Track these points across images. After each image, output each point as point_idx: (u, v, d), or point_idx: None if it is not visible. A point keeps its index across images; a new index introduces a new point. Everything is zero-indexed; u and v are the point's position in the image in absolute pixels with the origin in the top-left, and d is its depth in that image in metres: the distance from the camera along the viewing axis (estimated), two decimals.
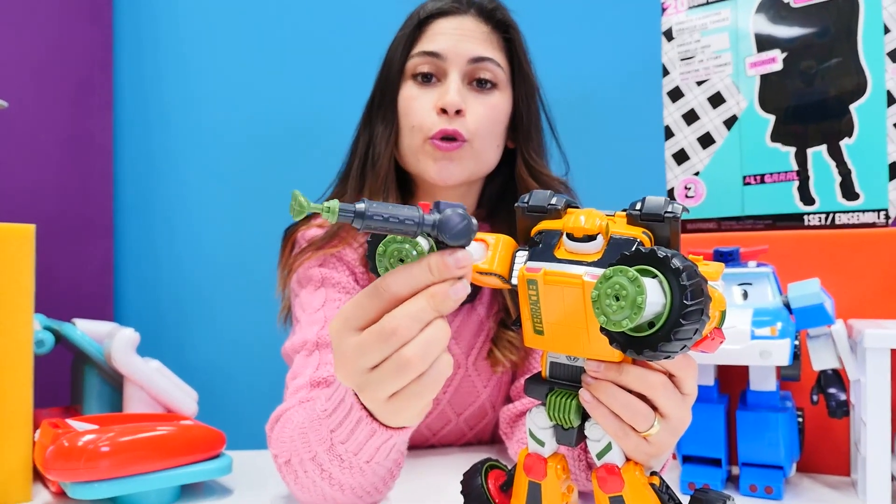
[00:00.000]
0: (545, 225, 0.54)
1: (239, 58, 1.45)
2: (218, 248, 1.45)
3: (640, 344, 0.40)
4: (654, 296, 0.39)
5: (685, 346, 0.39)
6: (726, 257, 0.78)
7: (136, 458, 0.68)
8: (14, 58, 1.16)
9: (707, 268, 0.47)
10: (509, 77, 0.87)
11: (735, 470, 0.78)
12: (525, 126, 0.88)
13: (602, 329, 0.41)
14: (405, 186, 0.89)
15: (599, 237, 0.51)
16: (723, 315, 0.45)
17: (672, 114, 0.91)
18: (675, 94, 0.91)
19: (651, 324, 0.40)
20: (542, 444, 0.55)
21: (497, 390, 0.90)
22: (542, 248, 0.53)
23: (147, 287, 1.44)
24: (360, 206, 0.39)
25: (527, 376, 0.56)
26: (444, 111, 0.81)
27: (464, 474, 0.58)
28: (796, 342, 0.69)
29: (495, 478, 0.58)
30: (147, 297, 1.43)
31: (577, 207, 0.55)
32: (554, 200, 0.54)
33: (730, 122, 0.88)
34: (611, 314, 0.39)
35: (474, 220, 0.44)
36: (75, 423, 0.70)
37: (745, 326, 0.69)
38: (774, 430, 0.72)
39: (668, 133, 0.91)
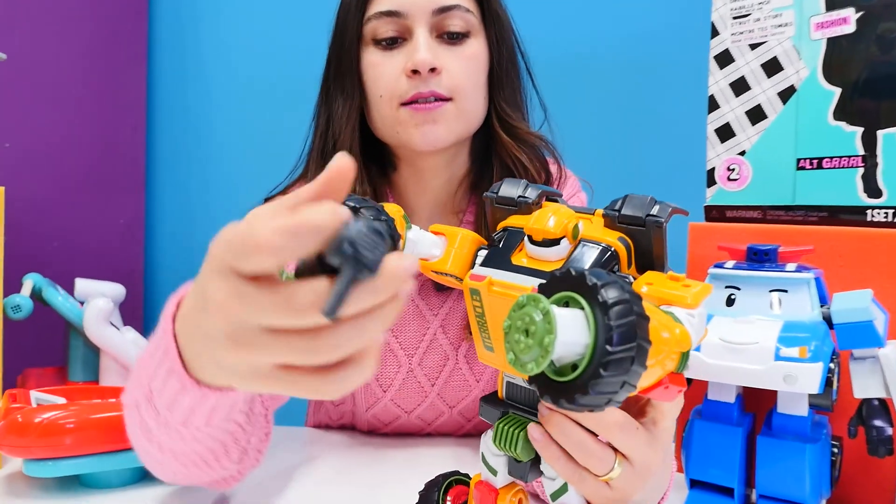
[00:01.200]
0: (513, 221, 0.45)
1: (278, 5, 1.39)
2: (255, 205, 1.42)
3: (557, 390, 0.32)
4: (574, 334, 0.30)
5: (610, 399, 0.31)
6: (761, 256, 0.66)
7: (93, 437, 0.65)
8: (45, 7, 1.14)
9: (682, 291, 0.38)
10: (481, 20, 0.77)
11: (752, 496, 0.68)
12: (496, 73, 0.78)
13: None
14: (383, 161, 0.81)
15: (564, 242, 0.42)
16: (683, 358, 0.36)
17: (718, 81, 0.78)
18: (724, 59, 0.78)
19: (574, 366, 0.31)
20: (494, 472, 0.48)
21: (494, 384, 0.83)
22: (500, 250, 0.45)
23: (179, 245, 1.43)
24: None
25: (484, 395, 0.48)
26: (415, 72, 0.72)
27: (425, 485, 0.52)
28: (832, 365, 0.58)
29: (456, 495, 0.52)
30: (179, 255, 1.42)
31: (555, 200, 0.46)
32: (527, 192, 0.45)
33: (786, 95, 0.74)
34: (518, 352, 0.31)
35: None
36: (39, 395, 0.68)
37: (770, 343, 0.58)
38: (800, 463, 0.62)
39: (713, 104, 0.79)
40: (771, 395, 0.66)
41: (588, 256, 0.40)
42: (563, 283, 0.32)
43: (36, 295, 0.80)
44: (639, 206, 0.41)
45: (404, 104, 0.73)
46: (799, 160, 0.74)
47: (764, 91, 0.76)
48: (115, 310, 0.92)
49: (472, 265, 0.46)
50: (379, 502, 0.67)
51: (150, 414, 0.47)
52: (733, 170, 0.78)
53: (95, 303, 0.75)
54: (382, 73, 0.74)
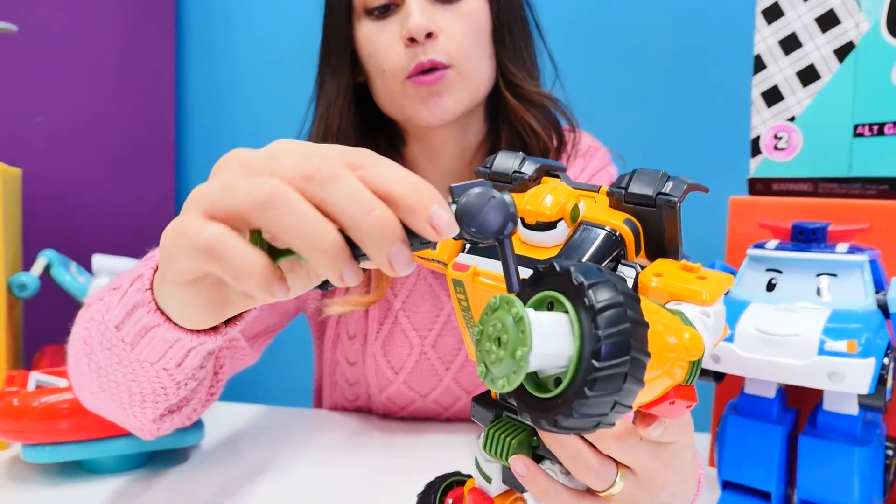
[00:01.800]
0: None
1: None
2: None
3: (537, 408, 0.26)
4: (555, 345, 0.25)
5: (599, 423, 0.25)
6: (807, 235, 0.59)
7: (92, 422, 0.63)
8: None
9: (697, 285, 0.32)
10: None
11: (793, 497, 0.62)
12: (498, 31, 0.72)
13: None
14: (393, 136, 0.77)
15: (562, 224, 0.37)
16: (693, 367, 0.30)
17: (766, 39, 0.70)
18: (773, 13, 0.69)
19: (558, 380, 0.26)
20: (488, 480, 0.43)
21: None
22: None
23: None
24: None
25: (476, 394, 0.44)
26: (412, 40, 0.66)
27: (424, 486, 0.49)
28: (886, 360, 0.51)
29: (456, 497, 0.48)
30: None
31: (557, 175, 0.40)
32: (524, 166, 0.40)
33: (843, 52, 0.66)
34: (490, 364, 0.26)
35: (507, 197, 0.28)
36: (40, 377, 0.67)
37: (814, 334, 0.52)
38: (848, 467, 0.55)
39: (759, 64, 0.71)
40: (817, 390, 0.59)
41: (589, 242, 0.35)
42: (546, 281, 0.27)
43: (48, 272, 0.79)
44: (649, 182, 0.35)
45: (408, 77, 0.68)
46: (857, 126, 0.66)
47: (818, 48, 0.67)
48: None
49: (463, 249, 0.41)
50: (382, 489, 0.64)
51: (106, 337, 0.45)
52: (781, 138, 0.70)
53: (98, 282, 0.73)
54: (379, 45, 0.69)
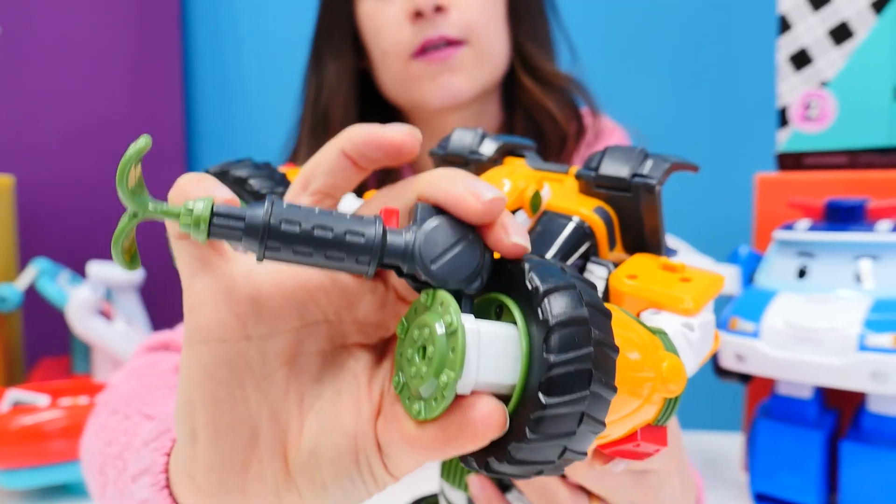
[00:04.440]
0: None
1: None
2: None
3: None
4: (497, 367, 0.20)
5: (542, 470, 0.20)
6: (843, 214, 0.52)
7: (75, 442, 0.60)
8: None
9: (678, 290, 0.26)
10: None
11: None
12: (514, 6, 0.66)
13: None
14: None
15: (521, 214, 0.31)
16: (669, 405, 0.24)
17: None
18: None
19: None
20: None
21: None
22: None
23: None
24: (256, 212, 0.19)
25: None
26: (418, 14, 0.60)
27: None
28: None
29: None
30: None
31: (523, 155, 0.34)
32: (482, 146, 0.34)
33: (881, 4, 0.58)
34: (409, 378, 0.20)
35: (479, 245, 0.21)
36: (20, 394, 0.64)
37: (854, 328, 0.45)
38: None
39: (784, 25, 0.63)
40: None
41: (552, 235, 0.29)
42: (496, 277, 0.21)
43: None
44: (622, 161, 0.28)
45: (415, 56, 0.62)
46: None
47: (851, 2, 0.60)
48: (134, 295, 0.87)
49: None
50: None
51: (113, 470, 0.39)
52: (812, 106, 0.63)
53: (78, 294, 0.69)
54: (382, 23, 0.64)
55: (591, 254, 0.28)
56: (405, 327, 0.21)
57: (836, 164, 0.62)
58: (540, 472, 0.19)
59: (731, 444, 0.68)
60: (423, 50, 0.62)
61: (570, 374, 0.18)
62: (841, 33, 0.61)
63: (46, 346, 0.91)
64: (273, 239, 0.19)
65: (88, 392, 0.66)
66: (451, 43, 0.61)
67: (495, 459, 0.19)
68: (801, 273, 0.51)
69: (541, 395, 0.18)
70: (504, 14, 0.66)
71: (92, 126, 1.16)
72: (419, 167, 0.73)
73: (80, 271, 0.87)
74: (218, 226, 0.18)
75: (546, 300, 0.19)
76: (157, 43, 1.29)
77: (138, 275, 0.87)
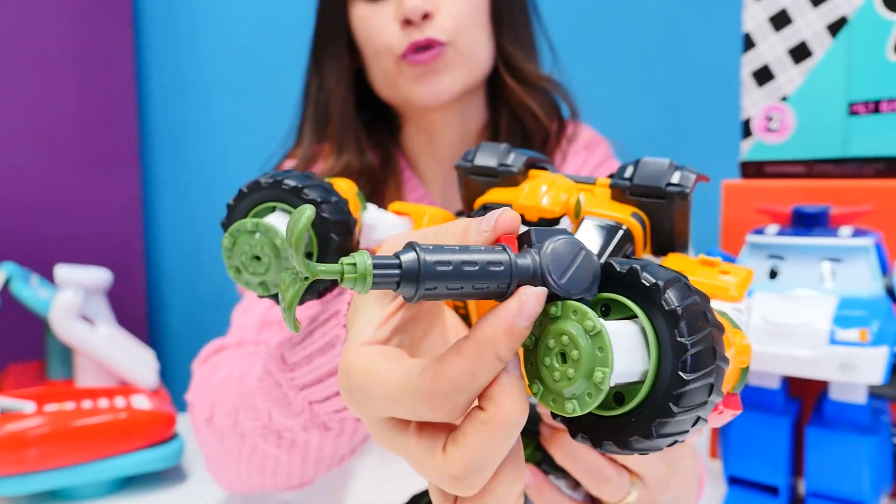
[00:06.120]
0: (493, 196, 0.37)
1: None
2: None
3: (598, 429, 0.24)
4: (630, 359, 0.22)
5: (675, 441, 0.23)
6: (808, 220, 0.57)
7: (63, 448, 0.60)
8: None
9: (722, 281, 0.30)
10: None
11: (799, 487, 0.60)
12: (497, 11, 0.69)
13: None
14: (391, 123, 0.74)
15: (565, 220, 0.34)
16: (743, 374, 0.28)
17: (755, 16, 0.67)
18: None
19: (618, 395, 0.23)
20: None
21: None
22: None
23: (182, 221, 1.36)
24: (409, 256, 0.21)
25: None
26: (407, 22, 0.63)
27: (410, 498, 0.46)
28: None
29: None
30: (182, 233, 1.36)
31: (544, 168, 0.37)
32: (510, 158, 0.37)
33: (836, 27, 0.63)
34: (552, 384, 0.23)
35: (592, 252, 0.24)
36: (5, 402, 0.62)
37: (824, 324, 0.50)
38: (858, 458, 0.54)
39: (748, 43, 0.68)
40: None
41: (595, 239, 0.32)
42: (602, 281, 0.24)
43: (8, 287, 0.74)
44: (656, 172, 0.32)
45: (402, 57, 0.66)
46: (852, 104, 0.64)
47: (810, 24, 0.65)
48: (103, 298, 0.86)
49: None
50: (365, 496, 0.61)
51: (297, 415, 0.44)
52: (773, 119, 0.68)
53: (61, 297, 0.68)
54: (373, 27, 0.67)
55: (630, 255, 0.32)
56: (533, 340, 0.23)
57: (795, 172, 0.67)
58: (674, 443, 0.22)
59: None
60: (411, 51, 0.64)
61: (700, 353, 0.21)
62: (800, 52, 0.66)
63: (12, 351, 0.89)
64: (430, 280, 0.21)
65: (74, 398, 0.65)
66: (436, 44, 0.64)
67: (638, 437, 0.22)
68: (773, 274, 0.56)
69: (682, 374, 0.21)
70: (487, 17, 0.69)
71: (42, 127, 1.12)
72: (419, 167, 0.76)
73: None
74: (378, 275, 0.20)
75: (667, 293, 0.22)
76: (109, 39, 1.25)
77: (107, 278, 0.85)
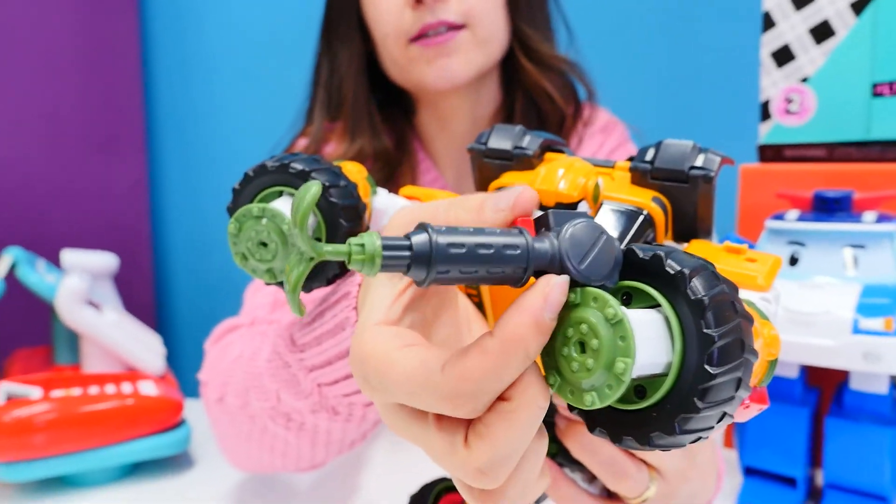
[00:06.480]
0: (508, 179, 0.36)
1: None
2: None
3: (618, 423, 0.22)
4: (652, 350, 0.21)
5: (699, 437, 0.21)
6: (830, 204, 0.55)
7: (71, 434, 0.59)
8: None
9: (750, 269, 0.28)
10: None
11: (817, 478, 0.59)
12: None
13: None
14: (405, 106, 0.72)
15: (583, 205, 0.32)
16: (770, 367, 0.26)
17: None
18: None
19: (640, 388, 0.22)
20: None
21: None
22: None
23: (188, 205, 1.36)
24: (421, 237, 0.20)
25: None
26: (418, 2, 0.61)
27: (410, 499, 0.45)
28: None
29: (449, 503, 0.45)
30: (190, 216, 1.35)
31: (561, 151, 0.36)
32: (524, 141, 0.35)
33: (860, 5, 0.61)
34: (569, 375, 0.21)
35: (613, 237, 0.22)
36: (12, 387, 0.62)
37: (847, 312, 0.48)
38: (879, 449, 0.52)
39: (768, 22, 0.66)
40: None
41: (615, 224, 0.30)
42: (626, 268, 0.23)
43: (14, 272, 0.74)
44: (678, 155, 0.30)
45: (413, 40, 0.64)
46: (875, 85, 0.62)
47: (832, 2, 0.63)
48: (109, 283, 0.85)
49: None
50: (374, 485, 0.60)
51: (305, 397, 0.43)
52: (793, 101, 0.66)
53: (68, 282, 0.67)
54: (383, 9, 0.65)
55: (651, 241, 0.30)
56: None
57: (815, 156, 0.66)
58: (698, 439, 0.21)
59: None
60: (422, 34, 0.63)
61: (728, 346, 0.20)
62: (822, 32, 0.64)
63: (19, 336, 0.88)
64: (442, 263, 0.19)
65: (80, 384, 0.65)
66: (452, 27, 0.63)
67: (661, 433, 0.21)
68: (793, 261, 0.55)
69: (708, 367, 0.20)
70: None
71: (47, 112, 1.11)
72: (433, 151, 0.74)
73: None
74: (388, 257, 0.19)
75: (693, 281, 0.20)
76: (115, 24, 1.24)
77: (114, 262, 0.84)
